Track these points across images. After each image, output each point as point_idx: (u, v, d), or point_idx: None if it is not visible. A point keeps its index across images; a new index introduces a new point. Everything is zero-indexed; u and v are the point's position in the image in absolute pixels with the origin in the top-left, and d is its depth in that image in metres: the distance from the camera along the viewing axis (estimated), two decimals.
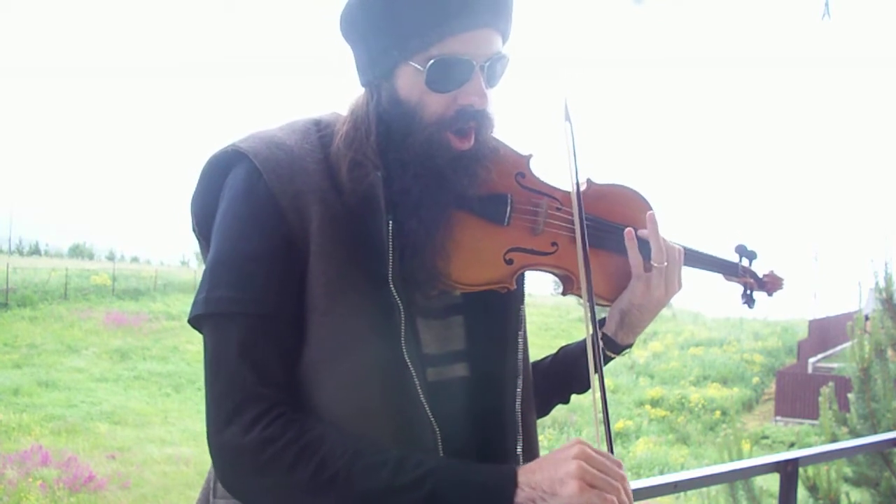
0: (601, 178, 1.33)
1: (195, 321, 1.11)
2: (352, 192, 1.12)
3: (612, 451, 1.08)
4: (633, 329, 1.33)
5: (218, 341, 1.08)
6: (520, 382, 1.23)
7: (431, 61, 1.09)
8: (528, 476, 1.02)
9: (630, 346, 1.35)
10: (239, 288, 1.07)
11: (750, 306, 1.50)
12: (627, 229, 1.27)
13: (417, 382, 1.10)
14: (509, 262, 1.18)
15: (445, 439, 1.13)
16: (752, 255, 1.49)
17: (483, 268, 1.17)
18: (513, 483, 1.01)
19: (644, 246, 1.28)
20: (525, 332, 1.27)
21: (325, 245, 1.09)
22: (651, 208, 1.34)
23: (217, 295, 1.08)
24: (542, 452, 1.31)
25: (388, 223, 1.11)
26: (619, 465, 1.03)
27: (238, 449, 1.03)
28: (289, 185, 1.10)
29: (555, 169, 1.27)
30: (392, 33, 1.10)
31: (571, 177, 1.22)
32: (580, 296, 1.24)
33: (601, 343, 1.28)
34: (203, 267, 1.15)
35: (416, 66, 1.10)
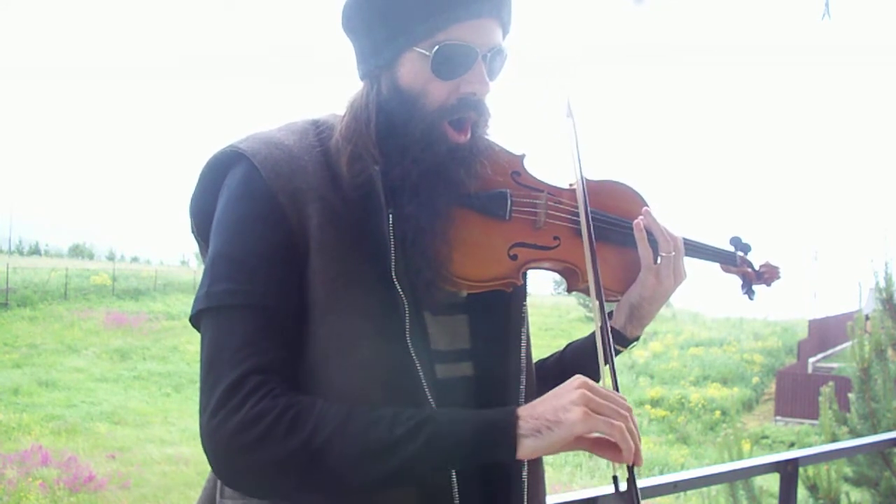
0: (594, 175, 1.33)
1: (197, 317, 1.10)
2: (351, 186, 1.13)
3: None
4: (642, 321, 1.34)
5: (217, 333, 1.07)
6: (523, 380, 1.23)
7: (437, 46, 1.10)
8: (530, 409, 1.02)
9: (638, 338, 1.36)
10: (240, 281, 1.07)
11: (750, 298, 1.50)
12: (636, 221, 1.29)
13: (423, 378, 1.10)
14: (514, 257, 1.19)
15: None
16: (746, 248, 1.49)
17: (489, 264, 1.17)
18: (514, 416, 1.01)
19: (649, 238, 1.29)
20: (528, 330, 1.28)
21: (326, 242, 1.09)
22: (646, 203, 1.36)
23: (218, 289, 1.07)
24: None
25: (389, 216, 1.12)
26: (624, 399, 1.03)
27: (231, 429, 1.01)
28: (288, 184, 1.10)
29: (548, 168, 1.28)
30: (398, 20, 1.11)
31: (576, 173, 1.22)
32: (585, 291, 1.23)
33: (611, 335, 1.28)
34: (202, 267, 1.14)
35: (422, 51, 1.11)
